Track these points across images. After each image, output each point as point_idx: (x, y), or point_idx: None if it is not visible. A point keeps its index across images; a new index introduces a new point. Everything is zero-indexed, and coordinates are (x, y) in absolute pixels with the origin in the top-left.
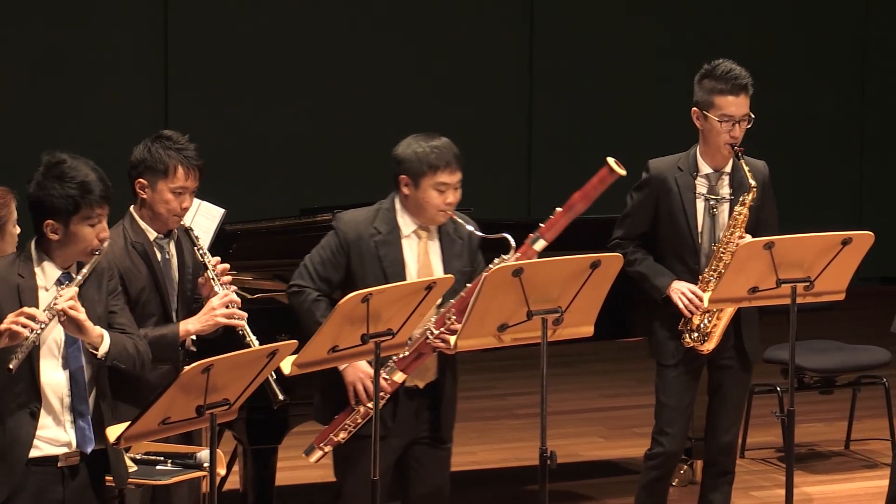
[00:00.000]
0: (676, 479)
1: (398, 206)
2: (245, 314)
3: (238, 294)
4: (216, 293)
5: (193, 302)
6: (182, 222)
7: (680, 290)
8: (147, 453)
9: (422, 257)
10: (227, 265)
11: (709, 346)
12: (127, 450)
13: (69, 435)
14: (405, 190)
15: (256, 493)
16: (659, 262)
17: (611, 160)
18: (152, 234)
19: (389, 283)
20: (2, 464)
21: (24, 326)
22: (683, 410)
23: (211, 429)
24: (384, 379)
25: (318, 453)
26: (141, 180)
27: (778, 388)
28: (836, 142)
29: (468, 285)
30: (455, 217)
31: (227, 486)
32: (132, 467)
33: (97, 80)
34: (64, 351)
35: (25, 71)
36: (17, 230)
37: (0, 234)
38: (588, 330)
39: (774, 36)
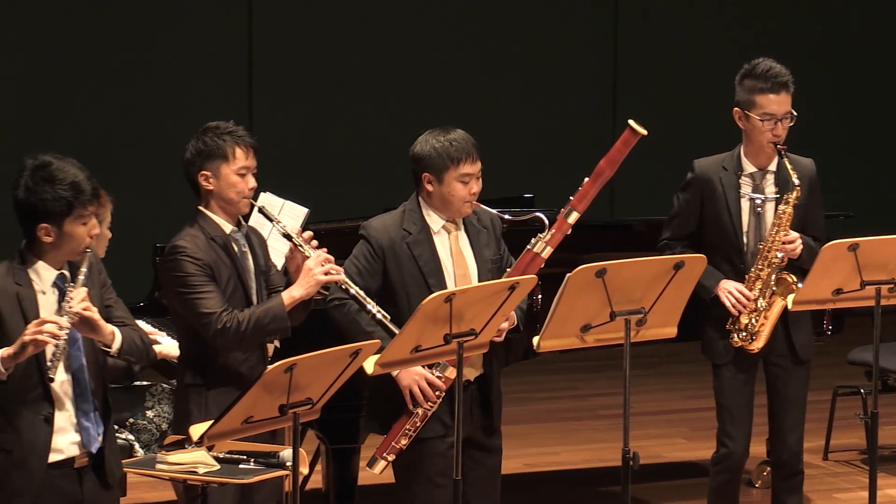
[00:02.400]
0: (759, 482)
1: (423, 204)
2: (342, 269)
3: (320, 292)
4: (307, 258)
5: (269, 295)
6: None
7: (727, 290)
8: (230, 452)
9: (454, 251)
10: (310, 232)
11: (758, 345)
12: (210, 448)
13: (77, 435)
14: (428, 187)
15: (338, 492)
16: None
17: (631, 122)
18: (227, 228)
19: (428, 282)
20: (21, 472)
21: (53, 336)
22: (741, 410)
23: (294, 428)
24: (437, 376)
25: (382, 463)
26: (204, 172)
27: (862, 391)
28: None
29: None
30: (481, 206)
31: (309, 486)
32: (214, 466)
33: (182, 88)
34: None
35: (109, 81)
36: (109, 235)
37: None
38: (671, 331)
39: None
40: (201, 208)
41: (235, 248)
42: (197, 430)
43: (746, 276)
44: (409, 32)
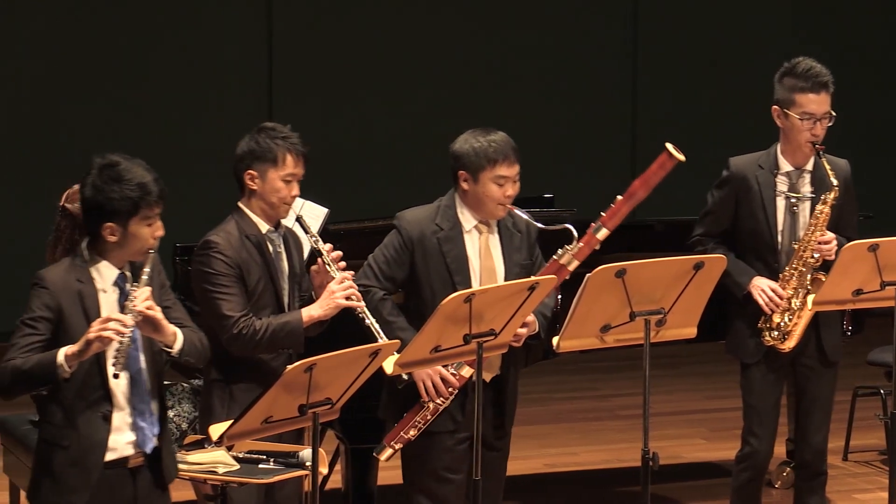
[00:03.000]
0: (780, 482)
1: (458, 201)
2: (362, 296)
3: None
4: (332, 278)
5: (300, 299)
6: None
7: (760, 288)
8: (250, 452)
9: (483, 251)
10: (340, 252)
11: (789, 345)
12: (230, 448)
13: (133, 435)
14: (464, 185)
15: (358, 492)
16: (739, 259)
17: (669, 146)
18: (264, 227)
19: (453, 279)
20: (78, 469)
21: (115, 331)
22: (770, 410)
23: (313, 427)
24: (452, 374)
25: (389, 451)
26: (250, 171)
27: (882, 391)
28: None
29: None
30: (512, 209)
31: (328, 486)
32: (234, 466)
33: (202, 89)
34: None
35: (130, 81)
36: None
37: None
38: (691, 331)
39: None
40: (241, 205)
41: (270, 249)
42: (216, 430)
43: (781, 275)
44: (430, 33)
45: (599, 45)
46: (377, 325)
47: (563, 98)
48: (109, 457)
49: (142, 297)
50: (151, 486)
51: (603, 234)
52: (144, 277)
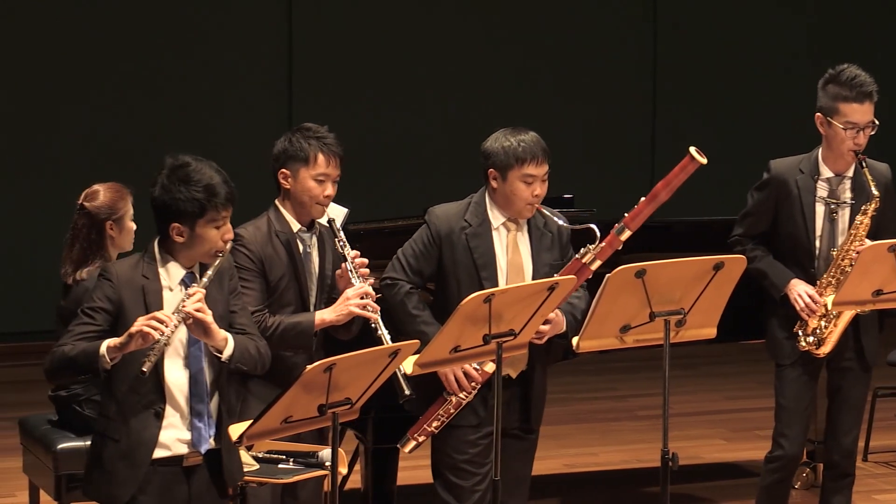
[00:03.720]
0: (799, 482)
1: (488, 199)
2: (378, 308)
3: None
4: (352, 285)
5: (330, 300)
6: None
7: (798, 292)
8: (269, 452)
9: (511, 249)
10: (365, 259)
11: (824, 351)
12: (249, 448)
13: (189, 434)
14: (493, 183)
15: (377, 492)
16: (777, 262)
17: (692, 149)
18: (296, 226)
19: (480, 275)
20: (126, 463)
21: (155, 329)
22: (802, 412)
23: (333, 428)
24: (475, 368)
25: (413, 443)
26: (284, 170)
27: None
28: None
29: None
30: (542, 210)
31: (348, 486)
32: (254, 465)
33: (223, 84)
34: (186, 350)
35: (153, 78)
36: (134, 226)
37: (118, 229)
38: (710, 332)
39: None
40: (277, 202)
41: (300, 248)
42: (236, 430)
43: (818, 281)
44: (453, 34)
45: (619, 46)
46: (388, 337)
47: (582, 99)
48: (161, 453)
49: (194, 298)
50: (208, 487)
51: (626, 234)
52: (204, 280)
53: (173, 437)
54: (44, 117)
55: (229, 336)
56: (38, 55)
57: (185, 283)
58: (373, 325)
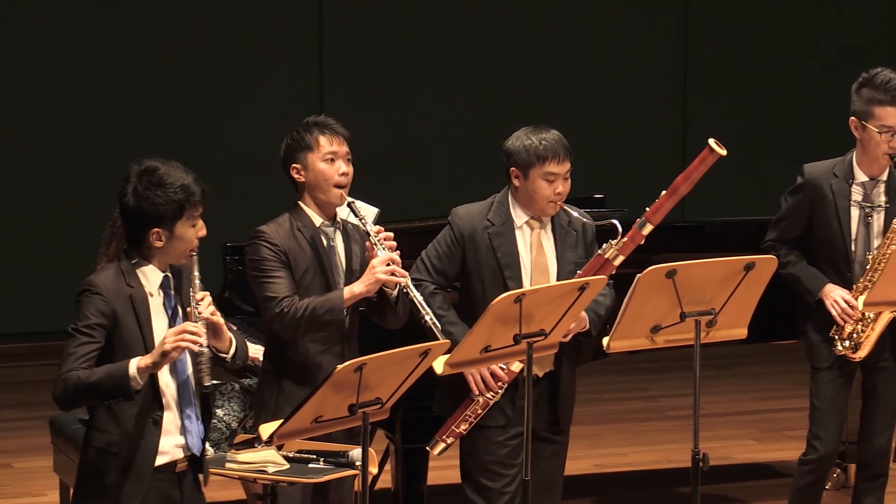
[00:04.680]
0: (830, 483)
1: (510, 198)
2: (407, 274)
3: None
4: (377, 255)
5: None
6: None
7: (833, 298)
8: (300, 451)
9: (534, 247)
10: (391, 233)
11: (860, 355)
12: (280, 447)
13: (181, 438)
14: (515, 182)
15: (408, 492)
16: (811, 266)
17: (711, 141)
18: (318, 221)
19: (503, 273)
20: (130, 474)
21: (193, 343)
22: (837, 414)
23: (363, 427)
24: (501, 368)
25: (442, 445)
26: (294, 165)
27: None
28: None
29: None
30: (566, 208)
31: (378, 485)
32: (284, 465)
33: (253, 88)
34: None
35: (180, 75)
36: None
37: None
38: (741, 332)
39: None
40: (298, 201)
41: (324, 242)
42: (266, 430)
43: (854, 286)
44: (483, 33)
45: (650, 45)
46: (420, 298)
47: (612, 100)
48: (160, 461)
49: (206, 303)
50: (194, 488)
51: (647, 229)
52: (198, 282)
53: (171, 443)
54: (69, 121)
55: (231, 335)
56: (67, 59)
57: (165, 287)
58: (404, 291)
